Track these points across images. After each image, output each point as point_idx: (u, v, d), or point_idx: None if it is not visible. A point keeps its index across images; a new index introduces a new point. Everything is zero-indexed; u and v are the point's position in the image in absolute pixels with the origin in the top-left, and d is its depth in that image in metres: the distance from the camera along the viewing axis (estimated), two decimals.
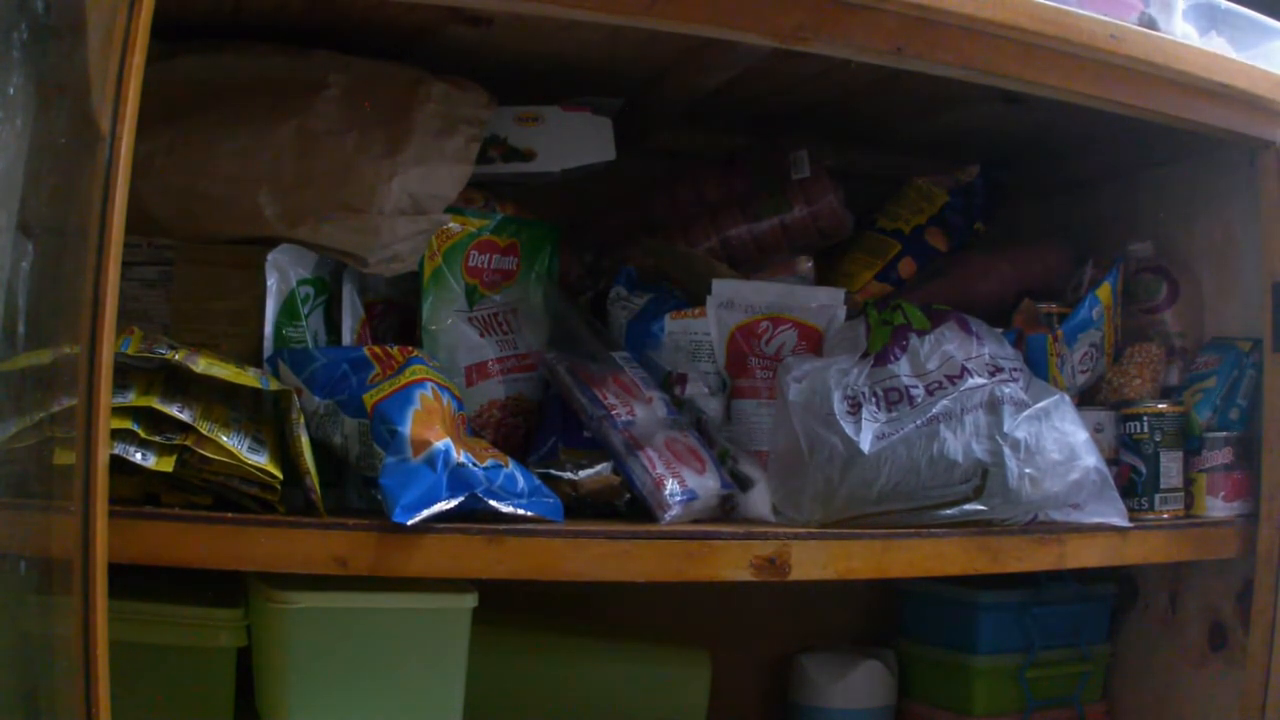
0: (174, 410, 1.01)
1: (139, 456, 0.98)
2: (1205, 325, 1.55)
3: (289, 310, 1.19)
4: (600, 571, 1.09)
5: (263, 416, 1.10)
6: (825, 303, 1.40)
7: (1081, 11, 1.23)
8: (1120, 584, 1.61)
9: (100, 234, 0.86)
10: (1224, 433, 1.44)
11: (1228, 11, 1.43)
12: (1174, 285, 1.55)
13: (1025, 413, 1.27)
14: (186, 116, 1.17)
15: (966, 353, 1.32)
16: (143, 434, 0.99)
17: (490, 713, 1.25)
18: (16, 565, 0.94)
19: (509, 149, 1.36)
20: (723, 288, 1.37)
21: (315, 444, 1.08)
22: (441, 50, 1.28)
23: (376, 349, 1.16)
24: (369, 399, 1.09)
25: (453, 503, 1.05)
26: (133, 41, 0.87)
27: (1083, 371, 1.47)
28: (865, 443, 1.25)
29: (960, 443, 1.25)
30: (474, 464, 1.08)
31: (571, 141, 1.37)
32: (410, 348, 1.18)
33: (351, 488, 1.16)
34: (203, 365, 1.03)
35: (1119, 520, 1.31)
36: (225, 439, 1.02)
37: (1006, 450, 1.24)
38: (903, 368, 1.31)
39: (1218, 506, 1.43)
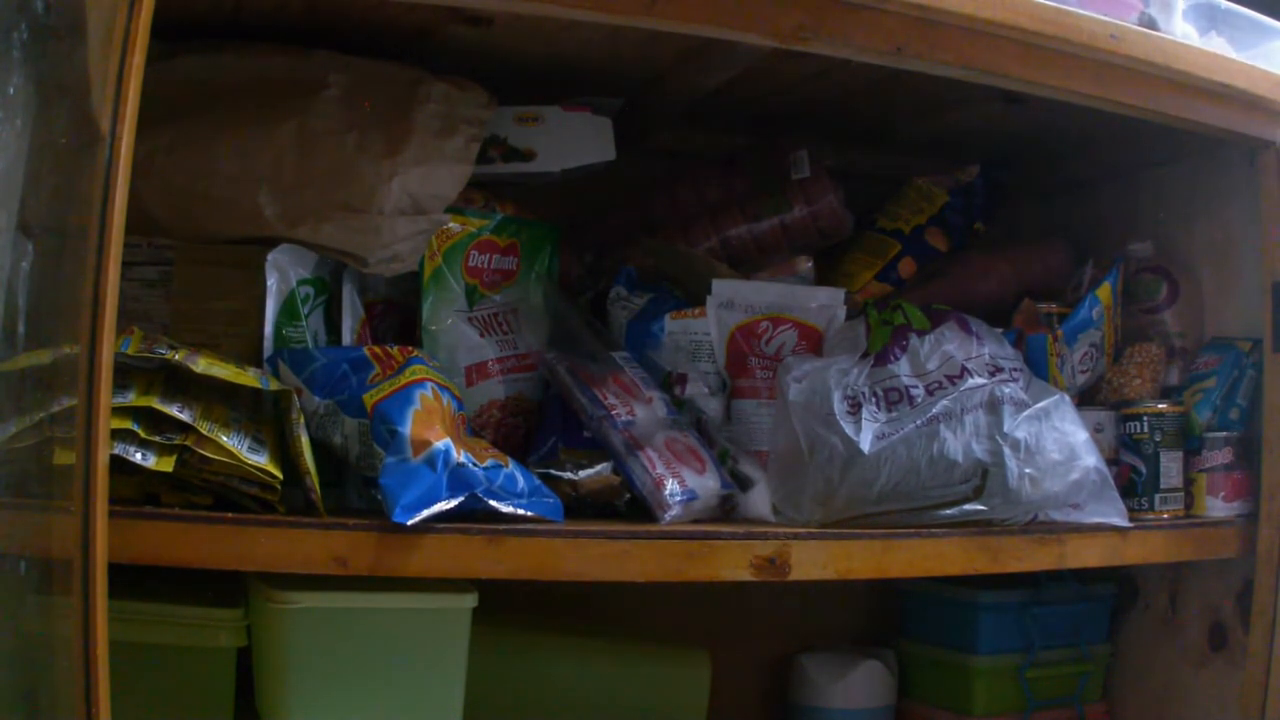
0: (174, 410, 1.01)
1: (139, 456, 0.98)
2: (1205, 325, 1.55)
3: (289, 310, 1.19)
4: (600, 571, 1.09)
5: (263, 416, 1.10)
6: (825, 303, 1.40)
7: (1081, 11, 1.23)
8: (1120, 584, 1.61)
9: (100, 234, 0.86)
10: (1224, 433, 1.44)
11: (1228, 11, 1.43)
12: (1174, 285, 1.55)
13: (1025, 413, 1.27)
14: (186, 116, 1.17)
15: (966, 353, 1.32)
16: (143, 434, 0.99)
17: (490, 713, 1.25)
18: (16, 565, 0.94)
19: (509, 149, 1.36)
20: (723, 288, 1.37)
21: (315, 444, 1.08)
22: (441, 50, 1.28)
23: (376, 349, 1.16)
24: (369, 399, 1.09)
25: (453, 503, 1.05)
26: (133, 41, 0.87)
27: (1083, 371, 1.47)
28: (865, 443, 1.25)
29: (960, 443, 1.25)
30: (474, 464, 1.08)
31: (571, 141, 1.37)
32: (410, 348, 1.18)
33: (351, 488, 1.16)
34: (203, 365, 1.03)
35: (1119, 520, 1.31)
36: (225, 439, 1.02)
37: (1006, 450, 1.24)
38: (903, 368, 1.31)
39: (1218, 506, 1.43)
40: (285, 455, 1.07)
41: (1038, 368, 1.40)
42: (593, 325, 1.39)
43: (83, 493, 0.85)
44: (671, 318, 1.38)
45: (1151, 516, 1.41)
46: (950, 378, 1.30)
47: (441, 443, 1.06)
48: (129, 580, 0.94)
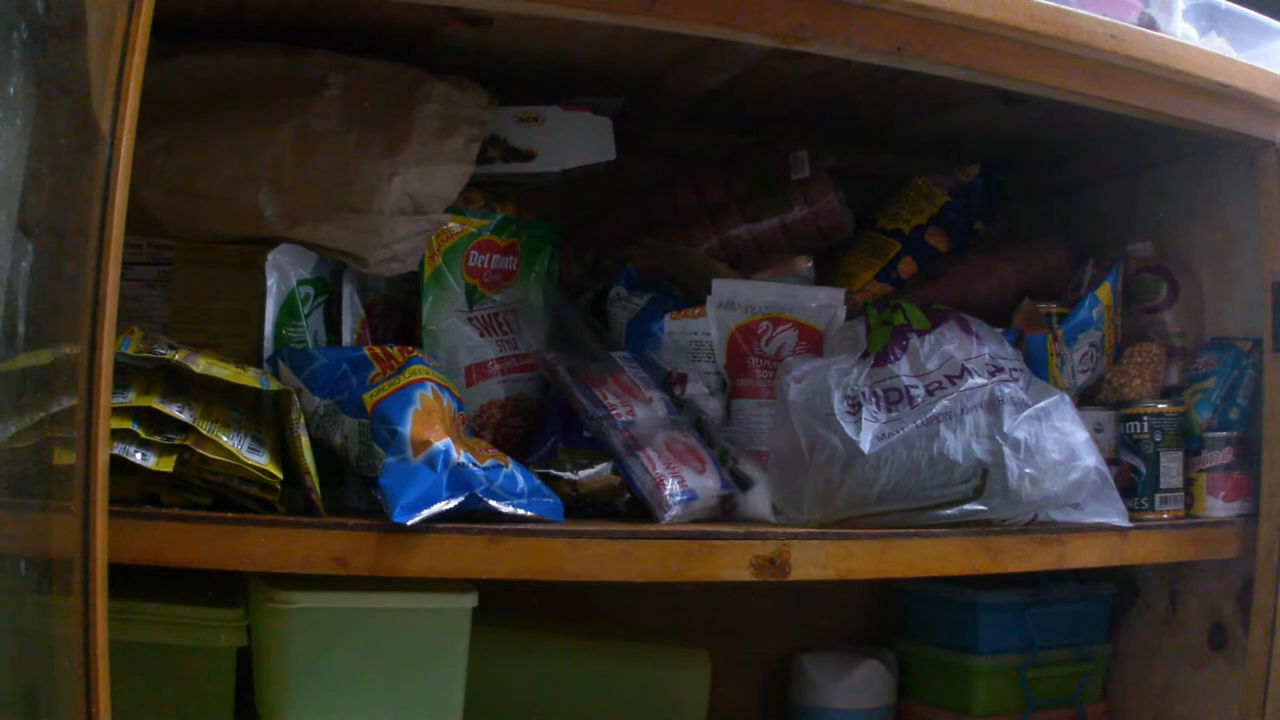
0: (174, 410, 1.01)
1: (139, 456, 0.98)
2: (1205, 325, 1.55)
3: (289, 310, 1.19)
4: (600, 571, 1.09)
5: (263, 416, 1.10)
6: (825, 303, 1.40)
7: (1081, 11, 1.23)
8: (1120, 584, 1.61)
9: (100, 234, 0.86)
10: (1224, 433, 1.44)
11: (1228, 11, 1.43)
12: (1174, 285, 1.55)
13: (1025, 413, 1.27)
14: (186, 116, 1.17)
15: (966, 353, 1.32)
16: (143, 434, 0.99)
17: (490, 713, 1.25)
18: (16, 565, 0.94)
19: (509, 149, 1.36)
20: (723, 288, 1.37)
21: (315, 444, 1.08)
22: (441, 50, 1.28)
23: (376, 349, 1.16)
24: (369, 399, 1.09)
25: (453, 503, 1.05)
26: (133, 41, 0.87)
27: (1083, 371, 1.47)
28: (865, 443, 1.25)
29: (960, 443, 1.25)
30: (474, 464, 1.08)
31: (571, 141, 1.37)
32: (410, 348, 1.18)
33: (351, 488, 1.16)
34: (203, 365, 1.03)
35: (1119, 520, 1.31)
36: (225, 439, 1.02)
37: (1006, 450, 1.24)
38: (903, 368, 1.31)
39: (1218, 506, 1.43)
40: (285, 455, 1.07)
41: (1038, 368, 1.40)
42: (593, 325, 1.39)
43: (83, 493, 0.85)
44: (671, 318, 1.38)
45: (1151, 516, 1.41)
46: (950, 378, 1.30)
47: (441, 443, 1.06)
48: (129, 580, 0.94)
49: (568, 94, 1.39)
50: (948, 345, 1.33)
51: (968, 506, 1.24)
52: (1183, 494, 1.43)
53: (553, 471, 1.21)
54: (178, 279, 1.17)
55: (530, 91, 1.36)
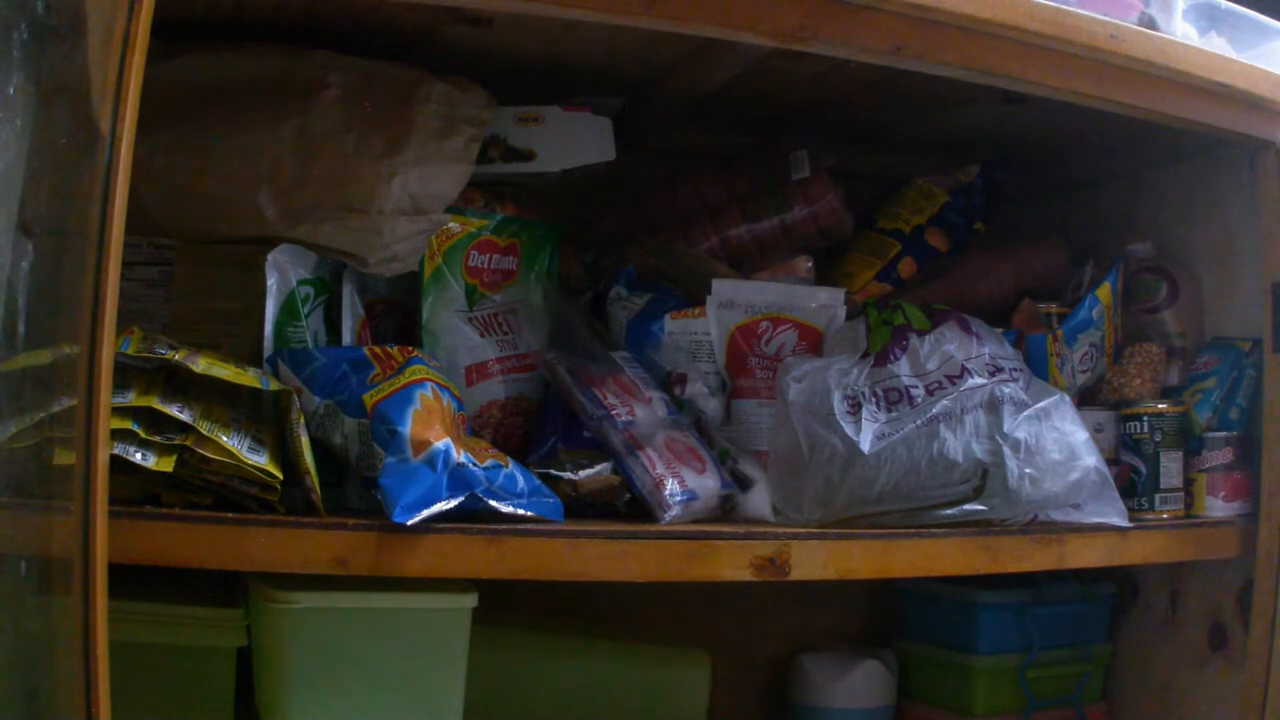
0: (174, 410, 1.01)
1: (139, 456, 0.98)
2: (1205, 325, 1.55)
3: (289, 310, 1.19)
4: (600, 571, 1.09)
5: (263, 416, 1.10)
6: (825, 303, 1.40)
7: (1081, 11, 1.23)
8: (1120, 584, 1.61)
9: (100, 234, 0.86)
10: (1224, 433, 1.44)
11: (1228, 11, 1.43)
12: (1174, 285, 1.55)
13: (1025, 413, 1.27)
14: (186, 116, 1.17)
15: (966, 353, 1.32)
16: (143, 434, 0.99)
17: (490, 713, 1.25)
18: (16, 565, 0.94)
19: (509, 149, 1.36)
20: (723, 288, 1.37)
21: (315, 444, 1.08)
22: (441, 50, 1.28)
23: (376, 349, 1.16)
24: (369, 399, 1.09)
25: (453, 503, 1.04)
26: (133, 41, 0.87)
27: (1083, 371, 1.47)
28: (865, 443, 1.25)
29: (960, 443, 1.25)
30: (474, 464, 1.08)
31: (571, 141, 1.37)
32: (410, 348, 1.18)
33: (351, 488, 1.16)
34: (203, 365, 1.03)
35: (1119, 520, 1.31)
36: (225, 439, 1.02)
37: (1006, 450, 1.24)
38: (903, 368, 1.31)
39: (1218, 506, 1.43)
40: (285, 455, 1.07)
41: (1038, 368, 1.40)
42: (593, 325, 1.39)
43: (83, 493, 0.85)
44: (671, 318, 1.38)
45: (1151, 516, 1.41)
46: (950, 378, 1.30)
47: (441, 443, 1.06)
48: (129, 580, 0.94)
49: (568, 94, 1.39)
50: (948, 345, 1.33)
51: (968, 506, 1.24)
52: (1183, 494, 1.43)
53: (553, 471, 1.21)
54: (178, 279, 1.17)
55: (530, 91, 1.36)
